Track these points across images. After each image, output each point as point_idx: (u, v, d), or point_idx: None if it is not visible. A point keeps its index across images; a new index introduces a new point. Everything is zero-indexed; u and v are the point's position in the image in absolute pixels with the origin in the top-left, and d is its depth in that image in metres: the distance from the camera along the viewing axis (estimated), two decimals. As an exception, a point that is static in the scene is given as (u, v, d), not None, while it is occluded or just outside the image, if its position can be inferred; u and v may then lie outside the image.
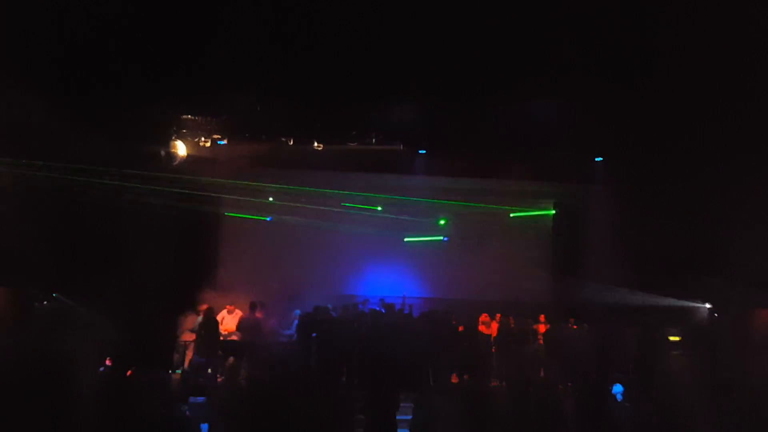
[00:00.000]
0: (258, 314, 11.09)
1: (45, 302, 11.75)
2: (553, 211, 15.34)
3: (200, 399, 8.01)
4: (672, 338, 11.30)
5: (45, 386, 7.05)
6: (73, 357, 8.08)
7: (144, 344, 9.86)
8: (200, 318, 11.37)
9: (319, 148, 12.80)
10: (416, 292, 14.53)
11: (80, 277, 11.18)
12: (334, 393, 7.99)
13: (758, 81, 9.33)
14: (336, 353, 9.73)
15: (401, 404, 8.12)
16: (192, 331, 11.39)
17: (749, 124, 10.12)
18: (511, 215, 14.85)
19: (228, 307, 11.70)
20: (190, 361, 10.80)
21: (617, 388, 9.36)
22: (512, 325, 11.96)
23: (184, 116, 12.05)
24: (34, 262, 10.58)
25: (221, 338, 11.21)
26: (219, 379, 10.25)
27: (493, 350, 11.68)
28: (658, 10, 8.90)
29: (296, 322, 11.13)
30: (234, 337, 11.20)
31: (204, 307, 11.50)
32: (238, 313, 11.57)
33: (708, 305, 11.61)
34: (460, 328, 11.34)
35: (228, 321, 11.52)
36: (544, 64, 9.88)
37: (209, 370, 10.42)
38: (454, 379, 10.57)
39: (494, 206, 14.67)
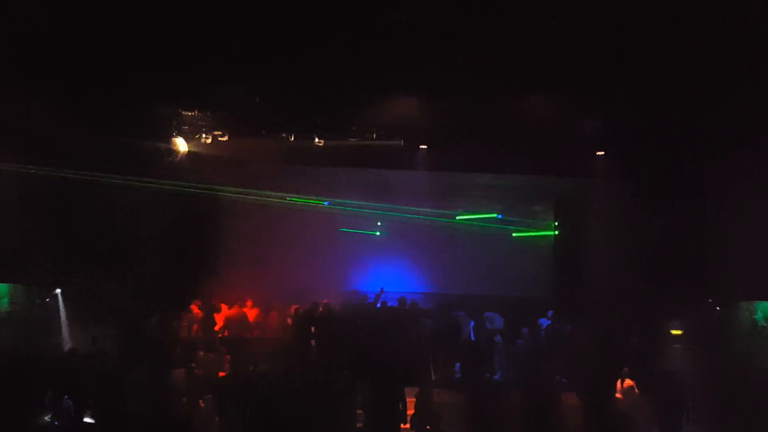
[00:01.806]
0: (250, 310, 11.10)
1: (47, 300, 11.79)
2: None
3: None
4: (674, 332, 11.29)
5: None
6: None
7: (151, 342, 9.89)
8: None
9: (320, 144, 12.78)
10: (419, 288, 14.55)
11: (84, 275, 11.22)
12: (334, 387, 8.01)
13: (760, 74, 9.30)
14: (336, 348, 9.74)
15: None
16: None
17: (750, 119, 10.09)
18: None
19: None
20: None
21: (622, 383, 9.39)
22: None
23: (184, 112, 12.03)
24: (37, 260, 10.62)
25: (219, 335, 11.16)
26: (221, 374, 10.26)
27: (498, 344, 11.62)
28: (659, 3, 8.89)
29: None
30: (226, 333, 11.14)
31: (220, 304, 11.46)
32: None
33: (710, 299, 11.58)
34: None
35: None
36: (545, 57, 9.86)
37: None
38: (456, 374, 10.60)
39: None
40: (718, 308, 11.38)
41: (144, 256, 11.58)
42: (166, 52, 9.71)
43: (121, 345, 9.61)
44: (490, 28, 9.45)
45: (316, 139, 12.75)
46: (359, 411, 8.29)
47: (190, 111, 11.94)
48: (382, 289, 11.56)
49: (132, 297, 10.71)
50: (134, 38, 9.38)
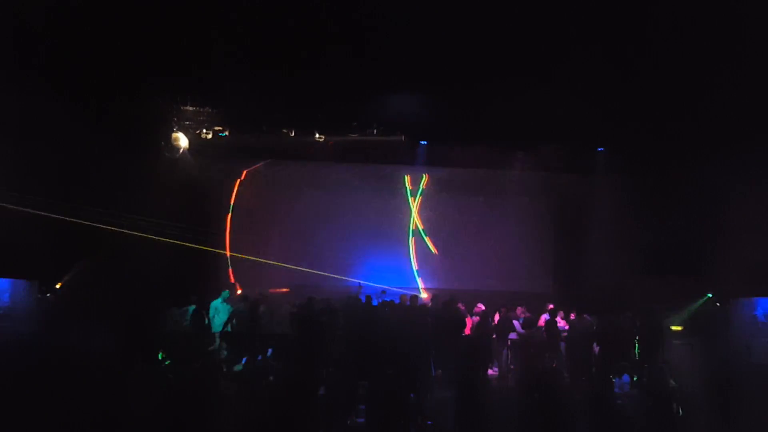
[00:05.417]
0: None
1: (48, 294, 11.78)
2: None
3: None
4: (674, 328, 11.31)
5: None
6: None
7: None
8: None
9: (321, 140, 12.80)
10: (417, 283, 14.59)
11: (86, 270, 11.20)
12: (335, 383, 8.03)
13: (759, 71, 9.33)
14: (336, 344, 9.74)
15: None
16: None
17: (750, 117, 10.12)
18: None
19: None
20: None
21: (625, 378, 9.41)
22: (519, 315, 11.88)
23: (186, 107, 12.03)
24: (39, 255, 10.62)
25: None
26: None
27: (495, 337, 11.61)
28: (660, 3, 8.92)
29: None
30: None
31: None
32: None
33: (710, 294, 11.62)
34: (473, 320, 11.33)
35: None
36: (545, 55, 9.88)
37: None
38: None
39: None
40: (718, 304, 11.41)
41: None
42: (167, 48, 9.73)
43: (122, 342, 9.52)
44: (489, 28, 9.49)
45: (317, 135, 12.79)
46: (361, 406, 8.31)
47: (192, 106, 11.95)
48: (360, 284, 11.66)
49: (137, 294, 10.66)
50: (135, 32, 9.41)
